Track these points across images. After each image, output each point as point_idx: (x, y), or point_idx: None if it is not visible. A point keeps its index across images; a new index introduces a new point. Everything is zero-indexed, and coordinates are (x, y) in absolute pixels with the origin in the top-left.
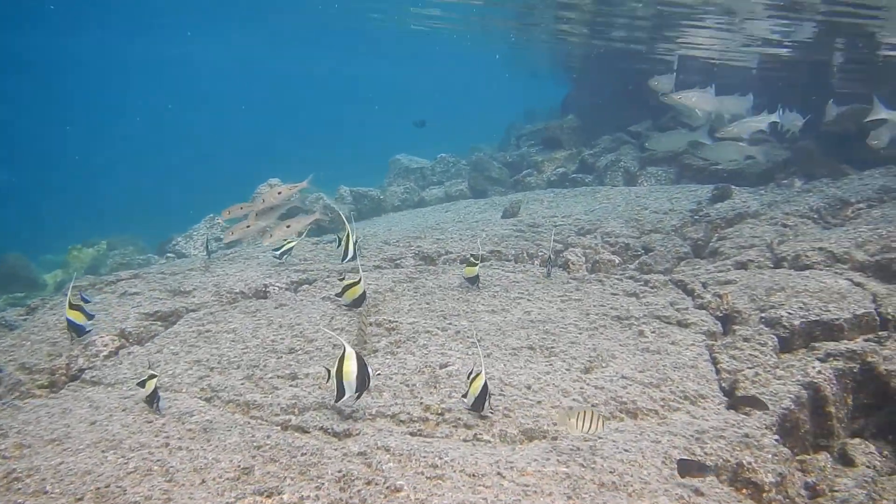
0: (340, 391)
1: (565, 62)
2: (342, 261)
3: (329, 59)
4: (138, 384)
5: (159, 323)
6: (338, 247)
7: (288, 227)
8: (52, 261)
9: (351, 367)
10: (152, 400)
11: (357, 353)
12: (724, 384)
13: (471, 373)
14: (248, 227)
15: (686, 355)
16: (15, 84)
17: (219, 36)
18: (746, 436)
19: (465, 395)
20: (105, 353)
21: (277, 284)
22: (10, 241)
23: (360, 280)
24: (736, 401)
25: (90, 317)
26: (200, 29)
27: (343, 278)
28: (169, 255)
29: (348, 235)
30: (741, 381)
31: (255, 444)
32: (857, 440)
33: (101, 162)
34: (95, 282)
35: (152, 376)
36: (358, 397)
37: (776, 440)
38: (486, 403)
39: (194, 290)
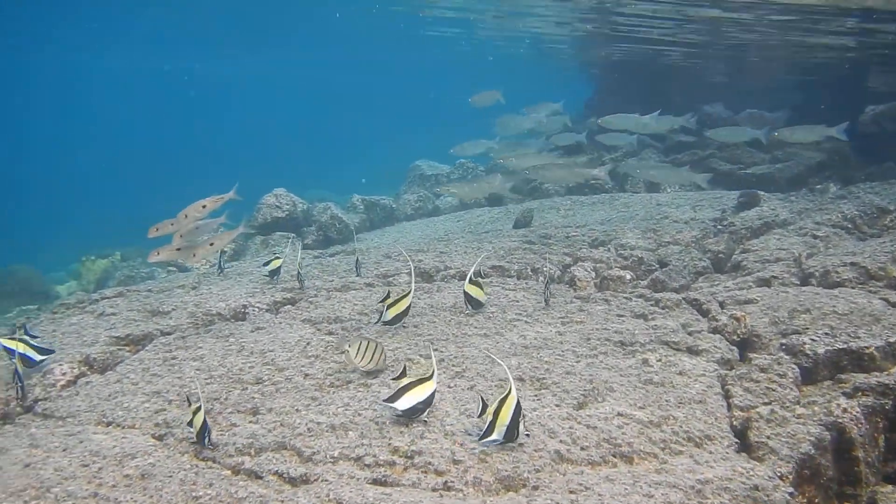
0: (488, 432)
1: (588, 63)
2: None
3: (343, 68)
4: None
5: (127, 348)
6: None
7: (211, 245)
8: (74, 270)
9: (508, 412)
10: (202, 435)
11: (517, 399)
12: (735, 423)
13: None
14: (176, 249)
15: (694, 388)
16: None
17: (224, 49)
18: (756, 488)
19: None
20: (62, 383)
21: (258, 305)
22: (26, 253)
23: (409, 293)
24: None
25: (46, 351)
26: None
27: (387, 296)
28: (171, 268)
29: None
30: (755, 420)
31: (193, 495)
32: (889, 487)
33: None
34: (83, 299)
35: (199, 408)
36: (504, 444)
37: (789, 494)
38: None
39: (173, 310)
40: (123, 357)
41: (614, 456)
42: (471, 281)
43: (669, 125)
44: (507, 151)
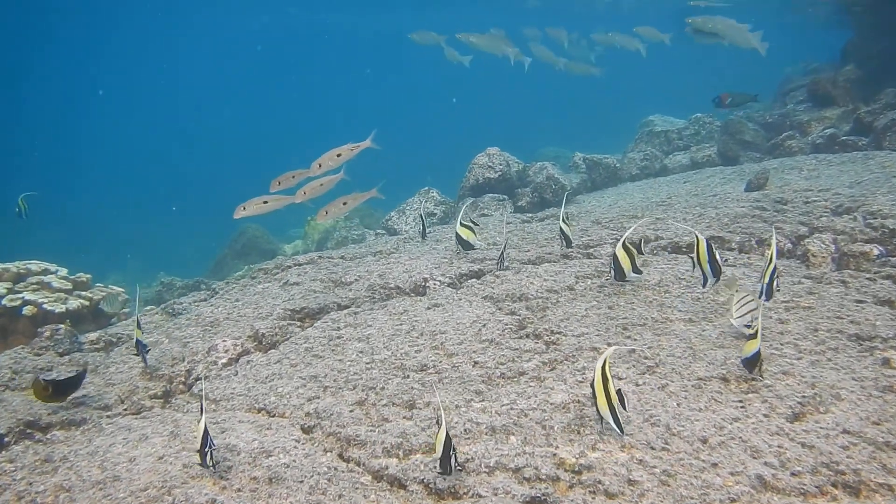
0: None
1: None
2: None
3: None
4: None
5: (298, 323)
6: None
7: (344, 204)
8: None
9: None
10: (446, 462)
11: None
12: None
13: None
14: (263, 202)
15: None
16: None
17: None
18: None
19: None
20: (224, 361)
21: (440, 278)
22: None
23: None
24: None
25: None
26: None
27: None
28: (380, 231)
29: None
30: None
31: None
32: None
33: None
34: (280, 265)
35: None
36: None
37: None
38: None
39: (356, 280)
40: (293, 332)
41: (835, 486)
42: (624, 247)
43: None
44: None
